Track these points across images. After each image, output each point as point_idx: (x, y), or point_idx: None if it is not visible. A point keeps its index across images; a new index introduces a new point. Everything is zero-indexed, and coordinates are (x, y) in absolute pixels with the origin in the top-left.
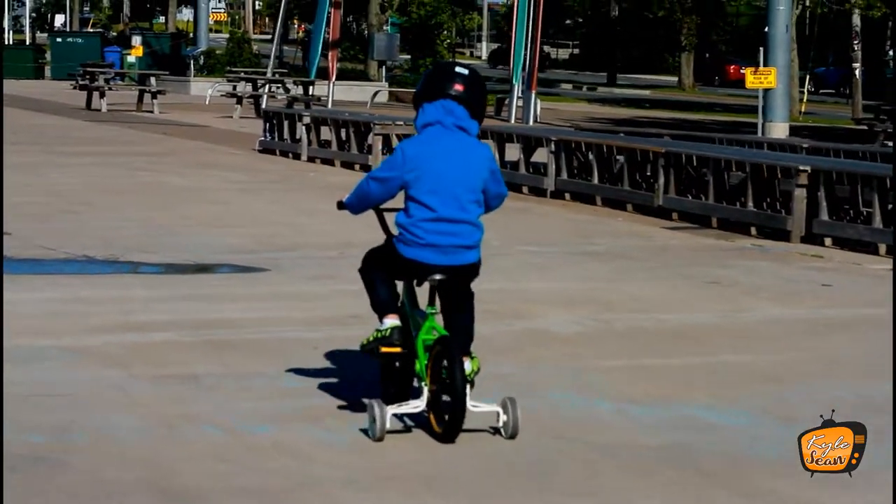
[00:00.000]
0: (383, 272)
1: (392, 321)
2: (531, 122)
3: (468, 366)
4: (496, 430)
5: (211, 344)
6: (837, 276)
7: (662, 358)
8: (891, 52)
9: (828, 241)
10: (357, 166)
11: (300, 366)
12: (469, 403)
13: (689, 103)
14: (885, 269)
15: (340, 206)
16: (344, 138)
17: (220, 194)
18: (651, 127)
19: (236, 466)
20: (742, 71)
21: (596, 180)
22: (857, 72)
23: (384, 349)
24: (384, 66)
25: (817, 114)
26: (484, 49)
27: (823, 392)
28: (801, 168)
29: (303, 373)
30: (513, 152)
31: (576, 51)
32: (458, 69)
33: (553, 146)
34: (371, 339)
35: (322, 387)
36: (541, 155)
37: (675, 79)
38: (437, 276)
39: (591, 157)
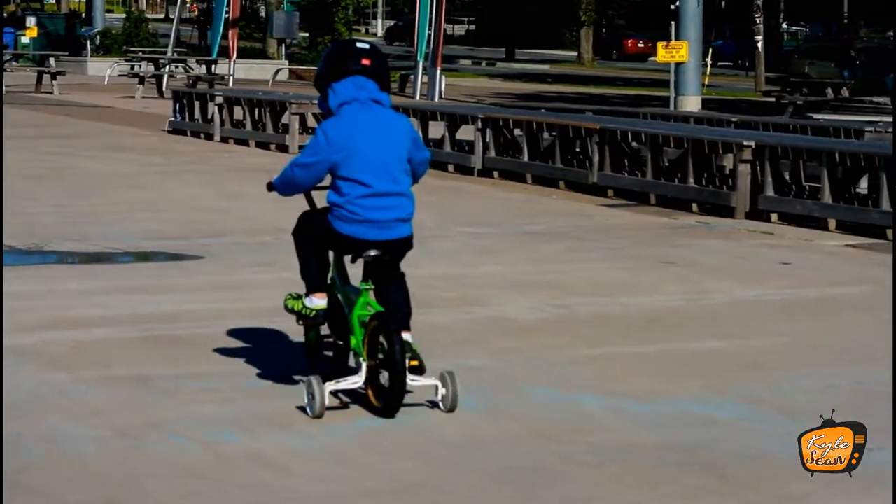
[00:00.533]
0: (317, 244)
1: (319, 303)
2: (436, 99)
3: (408, 336)
4: (434, 405)
5: (156, 340)
6: (794, 254)
7: (637, 346)
8: (784, 25)
9: (773, 216)
10: (273, 146)
11: (254, 362)
12: (408, 378)
13: (590, 77)
14: (839, 246)
15: (270, 187)
16: (258, 118)
17: (138, 178)
18: (557, 101)
19: (212, 483)
20: (640, 45)
21: (526, 158)
22: (759, 45)
23: (305, 323)
24: (283, 45)
25: (719, 87)
26: (379, 26)
27: (815, 380)
28: (746, 143)
29: (259, 370)
30: (436, 129)
31: (471, 27)
32: (359, 44)
33: (480, 123)
34: (297, 308)
35: (282, 386)
36: (465, 132)
37: (573, 53)
38: (373, 252)
39: (519, 133)
